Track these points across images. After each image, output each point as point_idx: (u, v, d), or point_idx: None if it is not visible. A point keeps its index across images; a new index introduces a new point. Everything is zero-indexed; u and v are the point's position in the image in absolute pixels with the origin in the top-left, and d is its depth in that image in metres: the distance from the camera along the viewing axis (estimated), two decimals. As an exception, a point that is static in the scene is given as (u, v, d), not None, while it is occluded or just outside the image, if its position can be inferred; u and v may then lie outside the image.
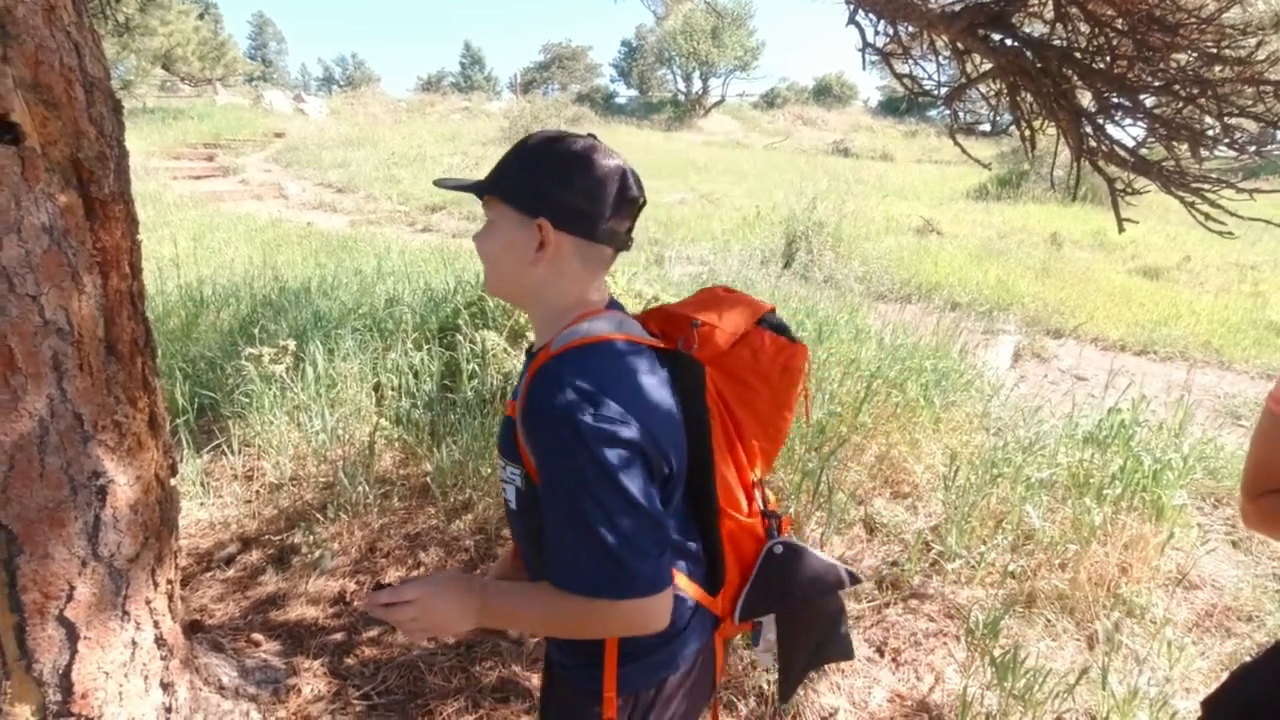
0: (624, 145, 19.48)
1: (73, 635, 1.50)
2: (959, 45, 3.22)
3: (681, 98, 36.60)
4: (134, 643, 1.63)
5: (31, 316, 1.35)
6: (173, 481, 1.75)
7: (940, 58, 3.92)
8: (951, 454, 3.46)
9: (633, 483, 0.85)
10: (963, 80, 3.46)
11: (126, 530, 1.57)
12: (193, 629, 2.08)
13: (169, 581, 1.75)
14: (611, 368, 0.92)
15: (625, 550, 0.84)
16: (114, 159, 1.50)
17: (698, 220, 11.24)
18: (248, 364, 3.19)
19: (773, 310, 1.13)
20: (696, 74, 36.16)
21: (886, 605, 2.67)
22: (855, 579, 1.14)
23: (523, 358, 1.16)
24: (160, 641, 1.71)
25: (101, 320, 1.49)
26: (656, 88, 38.65)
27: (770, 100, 38.78)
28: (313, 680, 2.13)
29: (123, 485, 1.55)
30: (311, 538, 2.70)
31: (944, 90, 3.82)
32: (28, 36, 1.31)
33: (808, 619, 1.16)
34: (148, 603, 1.67)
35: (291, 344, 3.16)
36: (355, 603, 2.47)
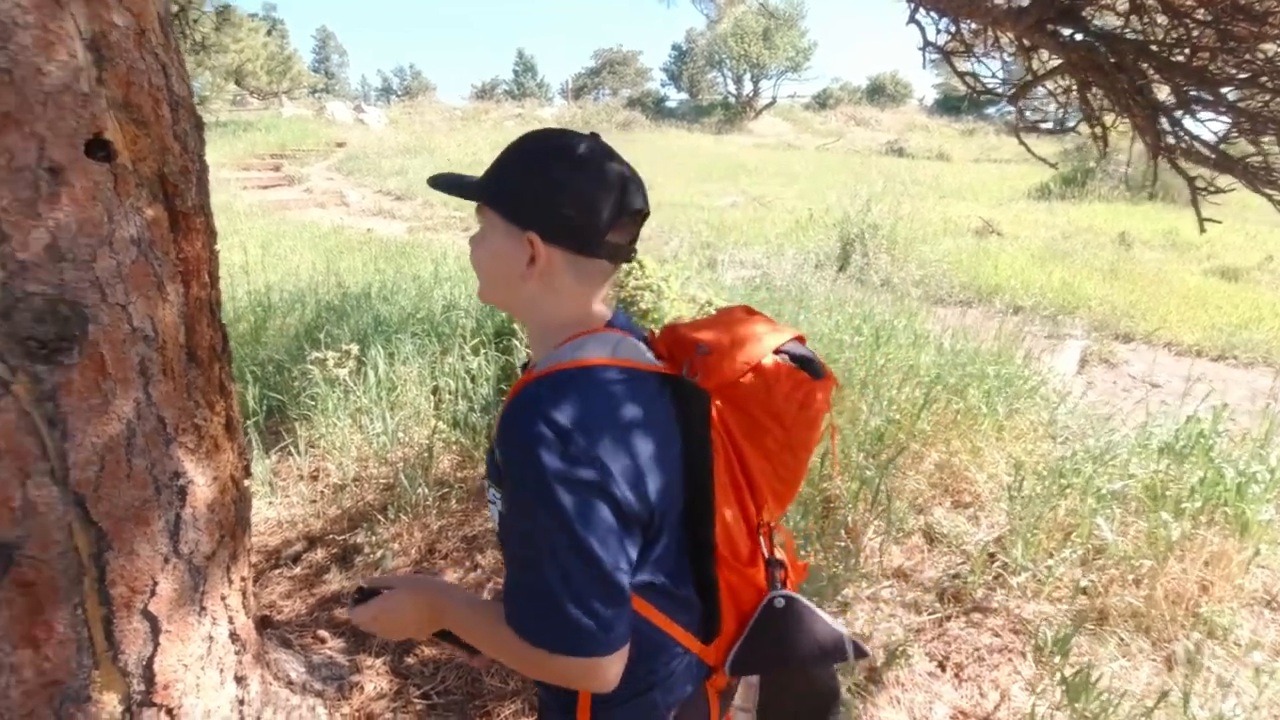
0: (674, 148, 19.53)
1: (155, 629, 1.57)
2: (1025, 41, 3.12)
3: (732, 100, 36.44)
4: (210, 637, 1.70)
5: (121, 324, 1.42)
6: (246, 482, 1.82)
7: (1005, 54, 3.80)
8: (1016, 463, 3.34)
9: (592, 532, 0.79)
10: (1029, 77, 3.36)
11: (204, 529, 1.63)
12: (263, 625, 2.16)
13: (242, 579, 1.82)
14: (593, 399, 0.84)
15: (571, 604, 0.78)
16: (195, 173, 1.58)
17: (750, 223, 11.17)
18: (313, 367, 3.30)
19: (800, 339, 1.03)
20: (747, 76, 35.97)
21: (948, 618, 2.59)
22: (861, 653, 1.01)
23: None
24: (234, 636, 1.78)
25: (183, 327, 1.56)
26: (707, 91, 38.59)
27: (822, 101, 38.28)
28: (375, 678, 2.18)
29: (201, 485, 1.62)
30: (374, 538, 2.77)
31: (1008, 88, 3.71)
32: (120, 59, 1.38)
33: (799, 688, 1.05)
34: (223, 599, 1.74)
35: (354, 348, 3.26)
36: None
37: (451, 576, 2.66)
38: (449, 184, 0.96)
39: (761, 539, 1.01)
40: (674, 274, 4.68)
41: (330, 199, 13.04)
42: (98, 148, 1.38)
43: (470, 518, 2.97)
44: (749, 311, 1.06)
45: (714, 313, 1.16)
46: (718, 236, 10.07)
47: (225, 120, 19.38)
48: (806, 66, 36.25)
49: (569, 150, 0.89)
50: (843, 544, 2.86)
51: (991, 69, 3.67)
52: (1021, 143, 3.39)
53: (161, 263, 1.49)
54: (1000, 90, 3.70)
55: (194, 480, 1.60)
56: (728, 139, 27.21)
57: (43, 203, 1.31)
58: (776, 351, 0.98)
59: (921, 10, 3.27)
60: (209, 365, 1.64)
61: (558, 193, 0.87)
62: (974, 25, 3.42)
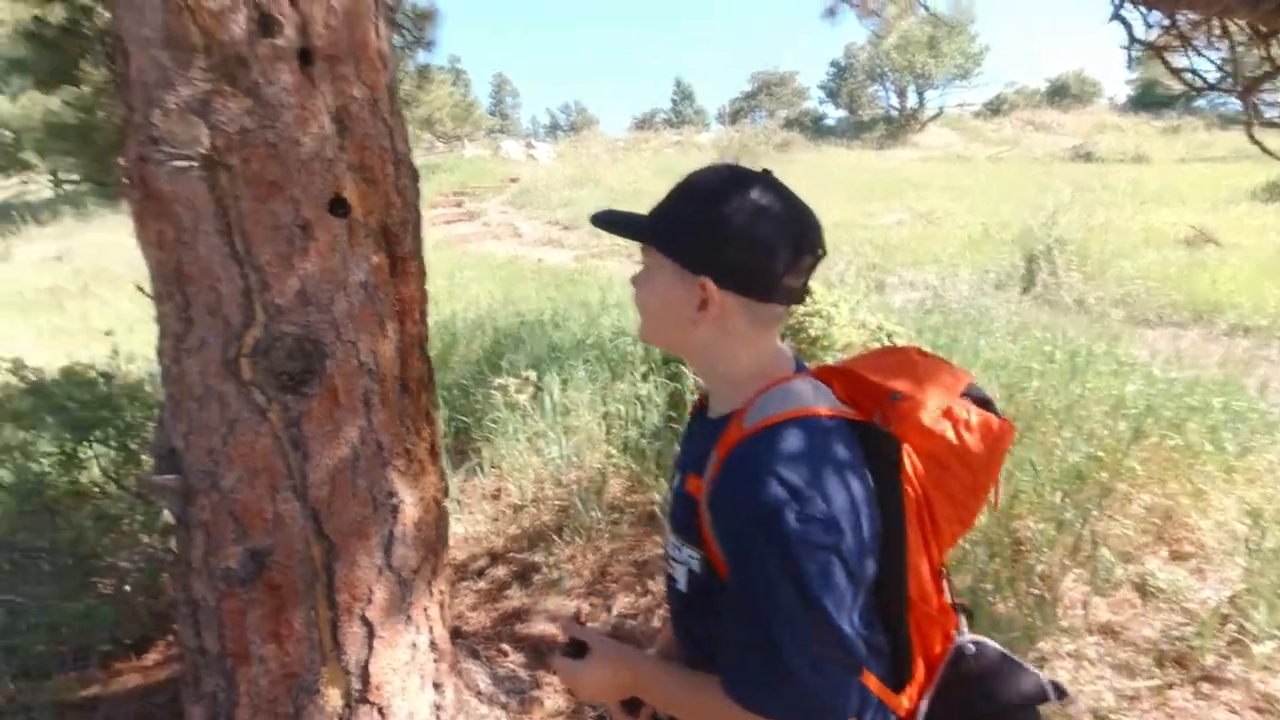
0: (834, 167, 19.01)
1: (371, 634, 1.73)
2: (1262, 29, 2.73)
3: (895, 113, 34.89)
4: (414, 645, 1.85)
5: (351, 359, 1.60)
6: (445, 502, 1.97)
7: (1235, 44, 3.35)
8: (1252, 511, 2.86)
9: (832, 598, 0.76)
10: (1267, 68, 2.93)
11: (412, 545, 1.79)
12: (456, 635, 2.31)
13: (441, 592, 1.96)
14: (818, 454, 0.81)
15: (808, 673, 0.75)
16: (412, 222, 1.75)
17: (917, 242, 10.57)
18: (495, 393, 3.53)
19: (973, 381, 0.99)
20: (911, 88, 34.32)
21: (1170, 687, 2.25)
22: (1061, 693, 0.95)
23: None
24: (434, 645, 1.92)
25: (398, 361, 1.73)
26: (867, 106, 37.27)
27: (995, 107, 35.61)
28: (553, 695, 2.26)
29: (410, 505, 1.77)
30: (550, 558, 2.90)
31: (1236, 82, 3.25)
32: (357, 127, 1.57)
33: None
34: (425, 610, 1.88)
35: (532, 375, 3.45)
36: (587, 624, 2.60)
37: (623, 601, 2.72)
38: (613, 223, 0.94)
39: (945, 583, 0.98)
40: (843, 299, 4.53)
41: (504, 231, 14.03)
42: (337, 205, 1.57)
43: (640, 543, 3.02)
44: (921, 353, 1.02)
45: (880, 349, 1.13)
46: (884, 257, 9.61)
47: (416, 164, 21.43)
48: (977, 73, 33.90)
49: (742, 191, 0.85)
50: (1037, 592, 2.60)
51: (1212, 61, 3.25)
52: (1254, 140, 2.95)
53: (383, 303, 1.66)
54: (1226, 85, 3.26)
55: (404, 500, 1.75)
56: (891, 154, 26.06)
57: (295, 255, 1.51)
58: (961, 394, 0.95)
59: (1128, 5, 2.96)
60: (418, 395, 1.80)
61: (732, 236, 0.84)
62: (1193, 16, 3.04)
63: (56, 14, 3.56)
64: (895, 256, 9.62)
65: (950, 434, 0.91)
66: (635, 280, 0.94)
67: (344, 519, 1.64)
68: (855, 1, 5.77)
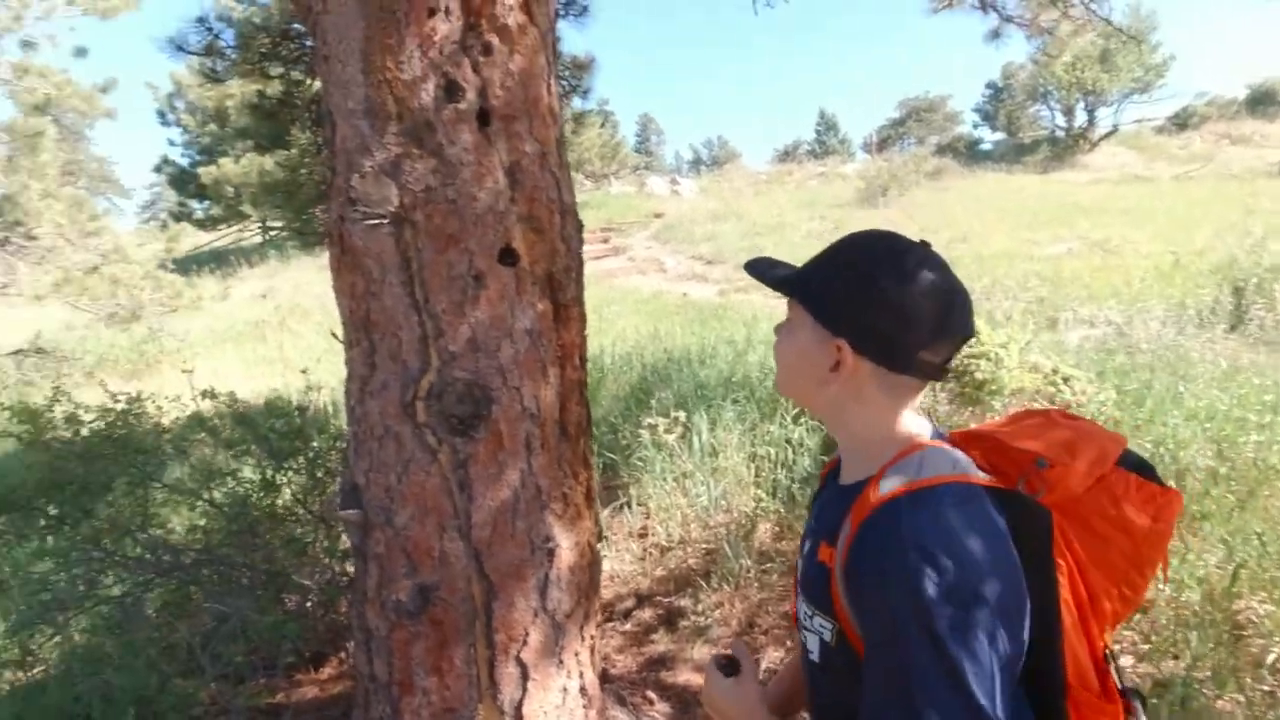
0: (992, 193, 17.77)
1: (525, 675, 1.74)
2: None
3: (1060, 134, 32.20)
4: (565, 689, 1.84)
5: (515, 404, 1.64)
6: (598, 547, 1.97)
7: None
8: None
9: (976, 673, 0.71)
10: None
11: (566, 589, 1.79)
12: (602, 679, 2.30)
13: (591, 636, 1.95)
14: (956, 522, 0.76)
15: None
16: (575, 269, 1.79)
17: (1092, 274, 9.55)
18: (644, 431, 3.54)
19: (1127, 446, 0.91)
20: (1080, 105, 31.54)
21: None
22: None
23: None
24: (583, 691, 1.91)
25: (558, 406, 1.76)
26: (1028, 127, 34.70)
27: (1182, 121, 31.85)
28: (699, 752, 2.18)
29: (565, 549, 1.78)
30: (698, 605, 2.83)
31: None
32: (528, 180, 1.63)
33: None
34: (576, 655, 1.87)
35: (681, 415, 3.43)
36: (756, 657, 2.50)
37: (772, 655, 2.59)
38: (761, 271, 0.95)
39: (1111, 666, 0.89)
40: (1013, 339, 4.15)
41: (650, 266, 14.32)
42: (507, 255, 1.63)
43: (790, 594, 2.88)
44: (1065, 415, 0.96)
45: (1020, 412, 1.03)
46: (1053, 290, 8.76)
47: (567, 202, 22.49)
48: (1160, 85, 30.56)
49: (895, 260, 0.84)
50: (1267, 687, 2.19)
51: None
52: None
53: (546, 349, 1.70)
54: None
55: (560, 544, 1.77)
56: (1056, 177, 23.96)
57: (468, 304, 1.58)
58: (1116, 461, 0.89)
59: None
60: (576, 440, 1.82)
61: (875, 304, 0.83)
62: None
63: (274, 88, 4.08)
64: (1067, 290, 8.76)
65: (1107, 504, 0.86)
66: (778, 330, 0.95)
67: (503, 560, 1.68)
68: (1023, 21, 5.40)
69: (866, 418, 0.88)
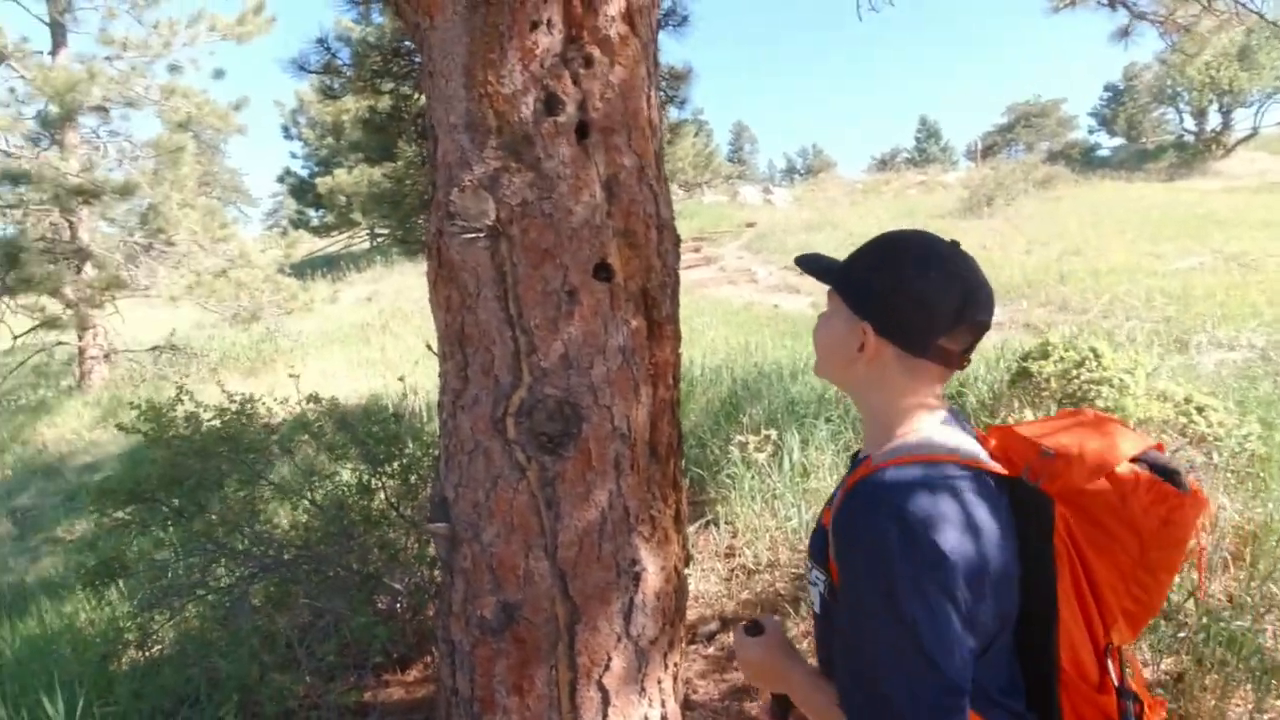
0: (1110, 202, 16.51)
1: (606, 701, 1.69)
2: None
3: (1189, 138, 29.63)
4: (646, 718, 1.78)
5: (605, 423, 1.60)
6: (686, 572, 1.90)
7: None
8: None
9: (932, 633, 0.77)
10: None
11: (651, 614, 1.73)
12: (684, 707, 2.22)
13: (675, 664, 1.88)
14: (937, 496, 0.82)
15: (906, 706, 0.77)
16: (670, 286, 1.73)
17: (1228, 291, 8.66)
18: (733, 448, 3.45)
19: (1158, 448, 0.92)
20: (1213, 107, 28.92)
21: None
22: None
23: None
24: (665, 721, 1.84)
25: (649, 426, 1.70)
26: (1152, 132, 32.16)
27: (1344, 122, 28.63)
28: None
29: (651, 573, 1.72)
30: (786, 633, 2.70)
31: None
32: (624, 194, 1.59)
33: None
34: (659, 682, 1.81)
35: (772, 434, 3.31)
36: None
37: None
38: (809, 263, 1.05)
39: (1110, 664, 0.91)
40: (1139, 363, 3.79)
41: (741, 276, 14.13)
42: (601, 270, 1.59)
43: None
44: (1100, 416, 0.99)
45: (1059, 413, 1.06)
46: (1182, 309, 8.00)
47: (658, 212, 22.58)
48: (1308, 84, 27.61)
49: (922, 252, 0.92)
50: None
51: None
52: None
53: (639, 367, 1.65)
54: None
55: (646, 568, 1.71)
56: (1184, 185, 22.00)
57: (561, 319, 1.55)
58: (1134, 460, 0.89)
59: None
60: (666, 461, 1.76)
61: (899, 291, 0.91)
62: None
63: (384, 103, 4.26)
64: (1198, 309, 7.99)
65: (1113, 498, 0.86)
66: (820, 318, 1.04)
67: (588, 582, 1.64)
68: (1157, 18, 4.97)
69: (885, 398, 0.95)
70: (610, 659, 1.68)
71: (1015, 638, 0.90)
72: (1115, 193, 19.30)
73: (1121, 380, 3.56)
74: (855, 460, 1.03)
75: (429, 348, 1.83)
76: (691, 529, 3.48)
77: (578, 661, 1.66)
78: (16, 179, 8.08)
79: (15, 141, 8.93)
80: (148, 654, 2.74)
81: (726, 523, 3.46)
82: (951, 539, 0.79)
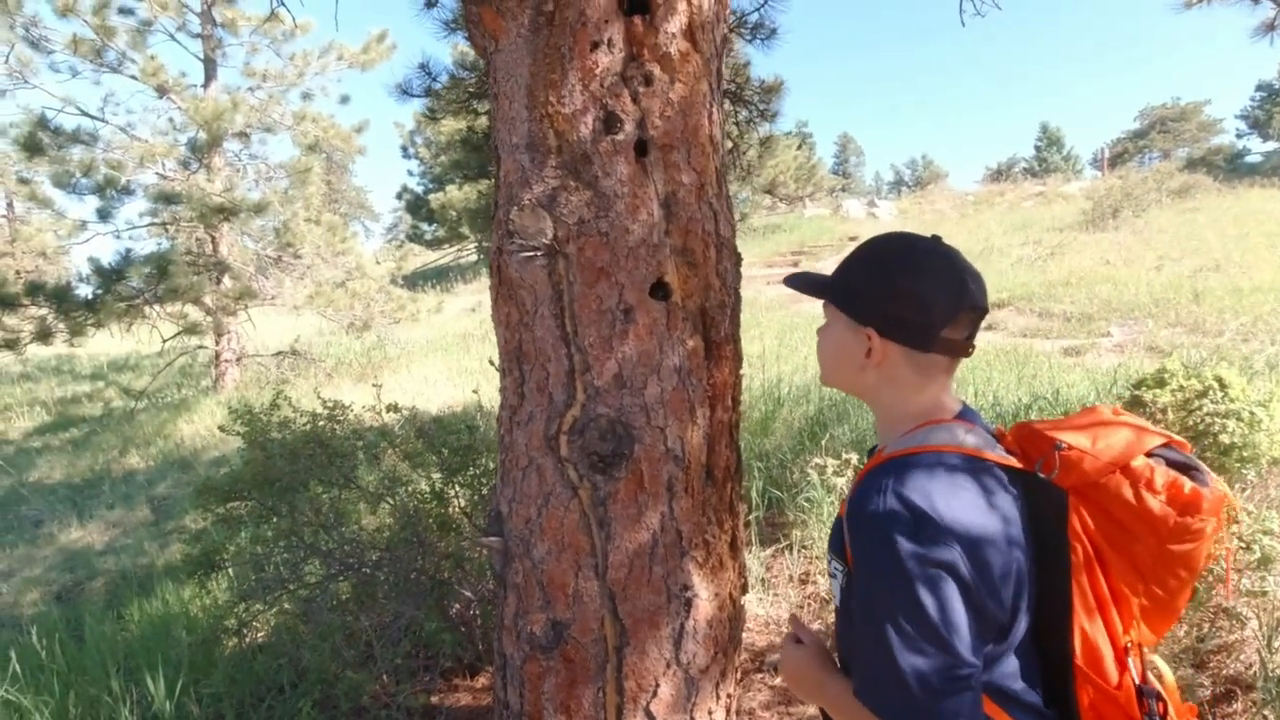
0: (1257, 214, 14.81)
1: (654, 729, 1.65)
2: None
3: (1371, 140, 26.35)
4: (697, 750, 1.73)
5: (658, 445, 1.58)
6: (742, 600, 1.84)
7: None
8: None
9: (941, 613, 0.78)
10: None
11: (702, 642, 1.68)
12: (744, 740, 2.14)
13: (729, 695, 1.82)
14: (942, 483, 0.85)
15: (919, 684, 0.78)
16: (730, 305, 1.69)
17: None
18: (812, 471, 3.33)
19: (1178, 445, 0.91)
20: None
21: None
22: None
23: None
24: (717, 755, 1.78)
25: (705, 448, 1.66)
26: (1315, 134, 28.87)
27: None
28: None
29: (704, 600, 1.68)
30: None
31: None
32: (683, 211, 1.57)
33: None
34: (710, 713, 1.75)
35: (854, 457, 3.17)
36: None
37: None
38: (800, 281, 1.08)
39: (1131, 661, 0.90)
40: (1276, 396, 3.36)
41: (838, 291, 13.74)
42: (658, 289, 1.58)
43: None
44: (1117, 411, 0.98)
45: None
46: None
47: (757, 225, 22.47)
48: None
49: (906, 252, 0.96)
50: None
51: None
52: None
53: (695, 389, 1.62)
54: None
55: (699, 594, 1.66)
56: (1360, 193, 19.54)
57: (616, 338, 1.54)
58: (1150, 454, 0.89)
59: None
60: (723, 485, 1.71)
61: (894, 293, 0.94)
62: None
63: (480, 124, 4.44)
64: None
65: (1127, 491, 0.86)
66: (819, 331, 1.07)
67: (638, 604, 1.61)
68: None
69: (897, 396, 0.97)
70: (658, 685, 1.65)
71: (1032, 632, 0.90)
72: (1265, 202, 17.35)
73: (1253, 414, 3.17)
74: (871, 453, 1.07)
75: (490, 363, 1.86)
76: (767, 552, 3.38)
77: (625, 685, 1.64)
78: (170, 199, 8.98)
79: (170, 165, 9.93)
80: (245, 642, 2.94)
81: (803, 548, 3.34)
82: (956, 524, 0.81)
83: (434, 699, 2.52)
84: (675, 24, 1.54)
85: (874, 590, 0.84)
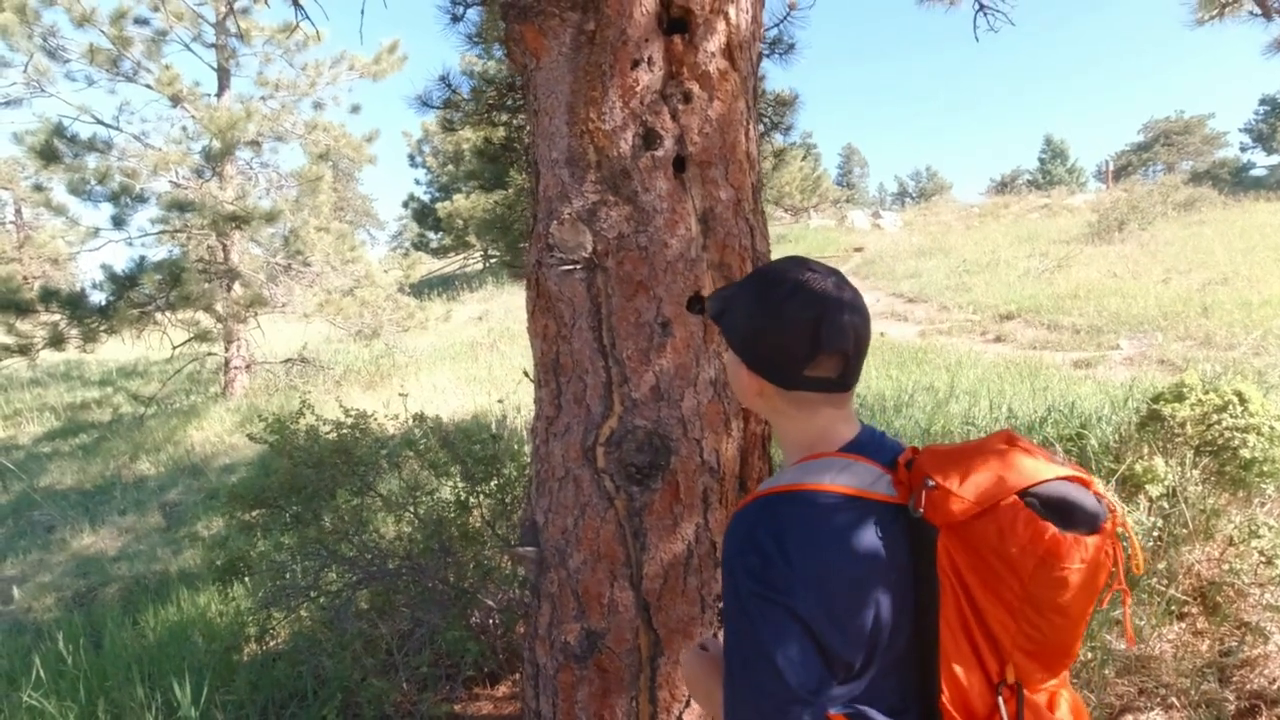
0: (1263, 228, 14.81)
1: (686, 740, 1.66)
2: None
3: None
4: (728, 761, 1.73)
5: (694, 457, 1.59)
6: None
7: None
8: None
9: (781, 653, 0.81)
10: None
11: (735, 653, 1.69)
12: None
13: (759, 707, 1.83)
14: (802, 525, 0.86)
15: (753, 714, 0.83)
16: (764, 319, 1.71)
17: None
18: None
19: (1078, 480, 0.86)
20: None
21: None
22: None
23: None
24: (748, 766, 1.78)
25: (739, 460, 1.68)
26: (1319, 149, 28.90)
27: None
28: None
29: (737, 611, 1.69)
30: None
31: None
32: (720, 227, 1.59)
33: None
34: (742, 724, 1.76)
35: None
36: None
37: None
38: (707, 303, 1.11)
39: (1002, 701, 0.87)
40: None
41: (845, 303, 13.74)
42: (695, 302, 1.60)
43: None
44: (1010, 440, 0.93)
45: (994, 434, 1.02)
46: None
47: (762, 236, 22.42)
48: None
49: (769, 289, 0.95)
50: None
51: None
52: None
53: (730, 402, 1.63)
54: None
55: (732, 605, 1.67)
56: (1366, 208, 19.53)
57: (654, 351, 1.56)
58: (1024, 492, 0.85)
59: None
60: (755, 496, 1.72)
61: (757, 331, 0.94)
62: None
63: (498, 135, 4.48)
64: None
65: (990, 534, 0.84)
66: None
67: (672, 615, 1.62)
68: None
69: (787, 428, 0.98)
70: (690, 698, 1.66)
71: (908, 666, 0.90)
72: (1272, 215, 17.37)
73: (1273, 428, 3.18)
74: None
75: (526, 375, 1.88)
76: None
77: (658, 695, 1.65)
78: (183, 207, 9.05)
79: (184, 174, 10.01)
80: (265, 648, 2.95)
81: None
82: (805, 567, 0.83)
83: (456, 708, 2.52)
84: (714, 43, 1.57)
85: (728, 622, 0.87)
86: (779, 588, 0.83)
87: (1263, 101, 32.02)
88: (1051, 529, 0.83)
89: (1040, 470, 0.88)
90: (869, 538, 0.88)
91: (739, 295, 0.99)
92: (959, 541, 0.87)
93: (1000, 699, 0.88)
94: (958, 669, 0.87)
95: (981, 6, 3.58)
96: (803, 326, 0.92)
